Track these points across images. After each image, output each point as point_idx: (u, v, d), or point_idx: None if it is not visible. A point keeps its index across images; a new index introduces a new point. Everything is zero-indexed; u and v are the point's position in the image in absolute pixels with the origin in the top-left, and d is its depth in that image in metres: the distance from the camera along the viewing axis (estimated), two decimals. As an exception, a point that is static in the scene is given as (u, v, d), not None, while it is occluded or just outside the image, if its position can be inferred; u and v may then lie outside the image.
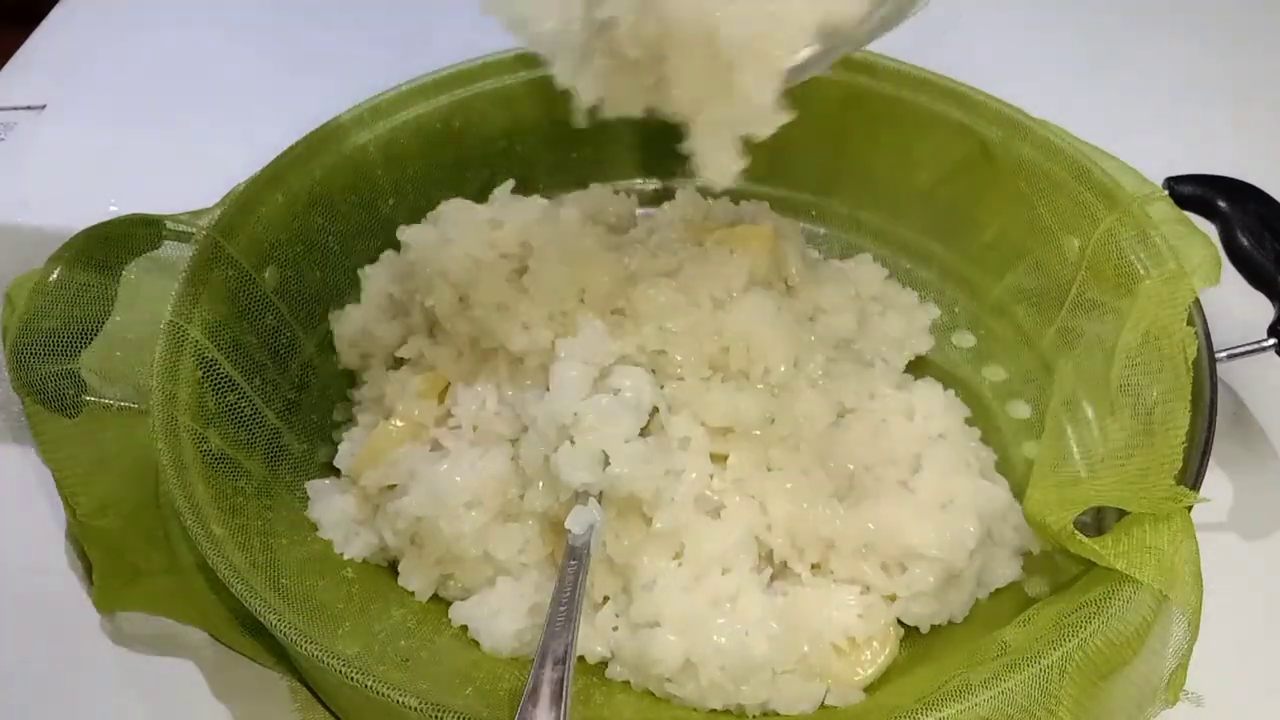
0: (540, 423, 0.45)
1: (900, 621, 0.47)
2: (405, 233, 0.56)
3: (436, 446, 0.48)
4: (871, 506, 0.47)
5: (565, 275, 0.50)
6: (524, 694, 0.37)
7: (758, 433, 0.48)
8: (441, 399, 0.50)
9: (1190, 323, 0.47)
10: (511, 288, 0.50)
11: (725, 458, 0.47)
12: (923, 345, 0.58)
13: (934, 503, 0.47)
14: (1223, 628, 0.43)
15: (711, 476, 0.46)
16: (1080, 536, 0.42)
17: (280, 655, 0.44)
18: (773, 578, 0.46)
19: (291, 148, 0.56)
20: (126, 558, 0.47)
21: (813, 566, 0.47)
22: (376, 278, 0.57)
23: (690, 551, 0.45)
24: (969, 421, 0.54)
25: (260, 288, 0.53)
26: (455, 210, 0.56)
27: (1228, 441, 0.52)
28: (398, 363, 0.54)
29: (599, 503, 0.43)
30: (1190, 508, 0.41)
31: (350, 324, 0.55)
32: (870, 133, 0.60)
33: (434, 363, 0.51)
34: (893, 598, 0.46)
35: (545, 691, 0.37)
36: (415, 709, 0.38)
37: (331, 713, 0.43)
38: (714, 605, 0.44)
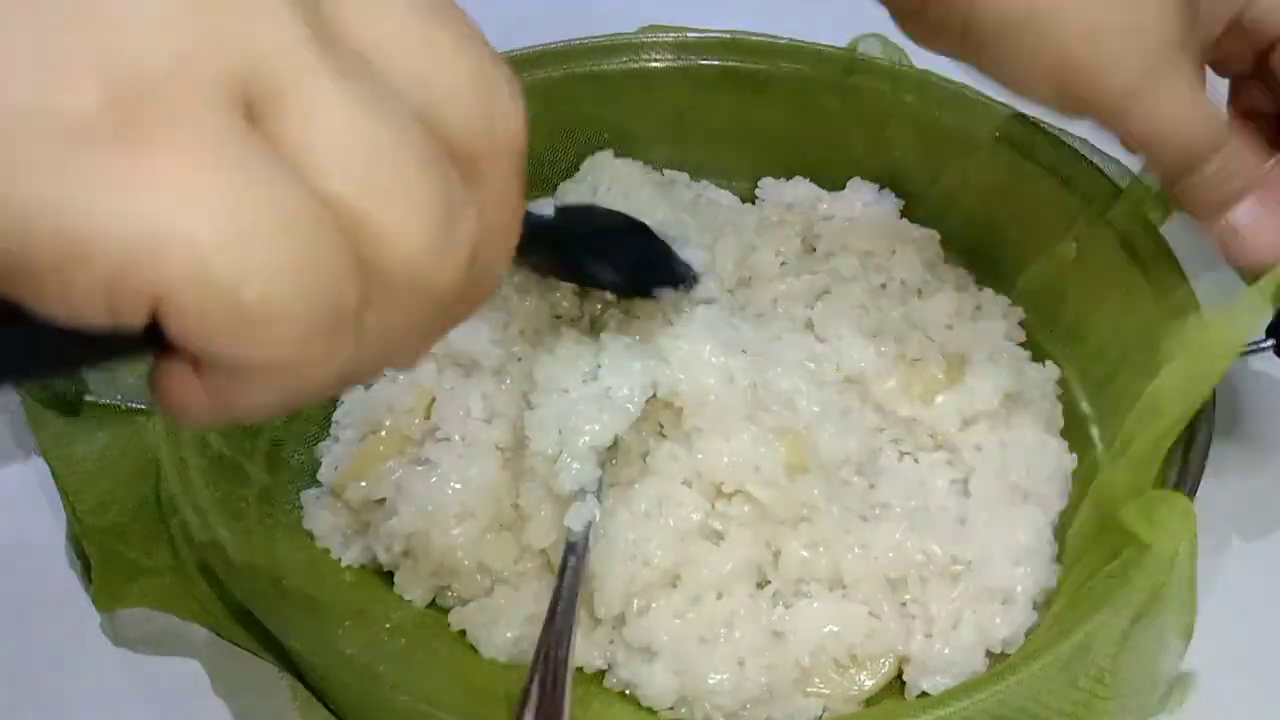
0: (537, 467, 0.44)
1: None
2: None
3: (423, 462, 0.47)
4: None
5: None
6: (524, 682, 0.37)
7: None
8: (428, 414, 0.49)
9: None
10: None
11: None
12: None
13: (992, 592, 0.44)
14: (1223, 628, 0.43)
15: (713, 505, 0.45)
16: None
17: (281, 652, 0.44)
18: (776, 592, 0.45)
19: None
20: (127, 555, 0.47)
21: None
22: None
23: (687, 577, 0.44)
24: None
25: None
26: None
27: (1227, 442, 0.52)
28: None
29: (597, 498, 0.43)
30: (1191, 495, 0.41)
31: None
32: (871, 134, 0.59)
33: (417, 379, 0.50)
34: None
35: (545, 683, 0.37)
36: (415, 709, 0.38)
37: (332, 712, 0.43)
38: (709, 636, 0.43)
